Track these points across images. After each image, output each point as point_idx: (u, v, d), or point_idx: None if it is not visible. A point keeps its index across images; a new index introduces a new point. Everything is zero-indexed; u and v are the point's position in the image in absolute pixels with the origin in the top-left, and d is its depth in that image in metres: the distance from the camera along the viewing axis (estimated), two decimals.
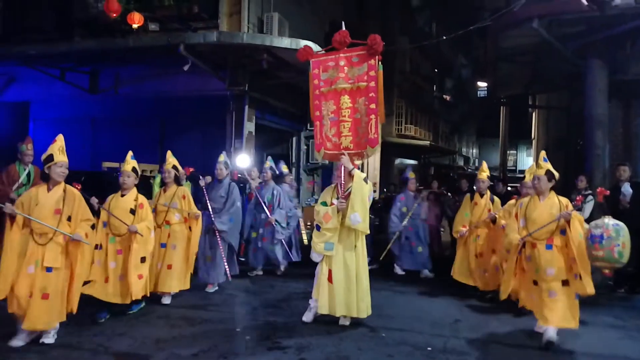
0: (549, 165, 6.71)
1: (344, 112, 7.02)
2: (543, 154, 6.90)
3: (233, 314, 7.54)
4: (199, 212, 8.31)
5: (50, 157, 6.02)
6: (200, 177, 9.14)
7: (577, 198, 7.47)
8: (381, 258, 10.92)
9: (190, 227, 8.27)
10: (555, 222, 6.46)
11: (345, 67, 6.97)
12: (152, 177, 11.69)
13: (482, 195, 9.30)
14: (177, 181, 8.39)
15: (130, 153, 7.30)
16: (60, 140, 6.19)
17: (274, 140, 17.32)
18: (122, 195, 7.20)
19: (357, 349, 6.13)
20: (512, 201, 8.38)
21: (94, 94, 15.10)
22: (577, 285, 6.33)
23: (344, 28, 7.01)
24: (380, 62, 6.81)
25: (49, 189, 6.06)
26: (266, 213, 10.18)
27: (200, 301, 8.10)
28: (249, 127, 13.94)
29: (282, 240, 10.43)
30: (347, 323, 6.95)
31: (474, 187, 9.49)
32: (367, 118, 6.81)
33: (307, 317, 7.13)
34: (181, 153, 9.26)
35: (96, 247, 6.86)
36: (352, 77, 6.95)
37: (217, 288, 8.87)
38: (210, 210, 8.74)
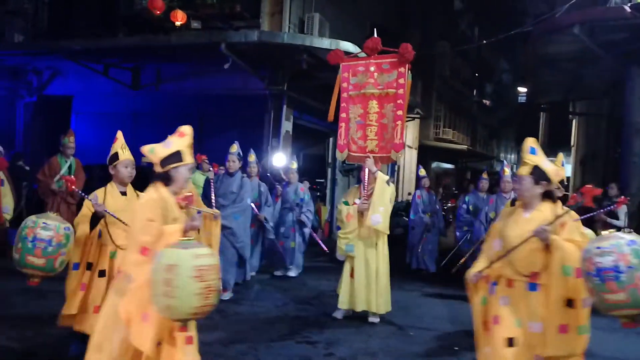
0: (538, 160, 4.32)
1: (371, 117, 7.20)
2: (530, 142, 4.38)
3: (265, 308, 7.66)
4: (218, 212, 6.70)
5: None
6: (210, 167, 8.31)
7: (618, 200, 5.08)
8: (442, 264, 10.32)
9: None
10: (535, 245, 4.09)
11: (375, 73, 7.13)
12: None
13: None
14: None
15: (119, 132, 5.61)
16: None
17: (310, 141, 17.43)
18: (124, 193, 5.41)
19: (385, 345, 6.21)
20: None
21: (136, 90, 15.41)
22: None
23: (375, 35, 7.16)
24: (409, 71, 6.97)
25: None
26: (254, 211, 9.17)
27: (233, 295, 8.21)
28: (287, 126, 14.07)
29: (274, 240, 10.03)
30: (377, 321, 7.06)
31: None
32: (394, 124, 7.01)
33: (338, 314, 7.24)
34: (219, 150, 9.42)
35: (75, 266, 5.18)
36: (381, 83, 7.11)
37: (232, 295, 8.12)
38: (215, 207, 7.10)
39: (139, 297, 3.67)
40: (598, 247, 3.54)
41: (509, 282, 4.24)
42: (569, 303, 3.96)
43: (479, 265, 4.44)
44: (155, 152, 4.49)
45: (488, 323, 4.29)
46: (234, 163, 8.13)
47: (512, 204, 5.97)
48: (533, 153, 4.31)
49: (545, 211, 4.23)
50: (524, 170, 4.27)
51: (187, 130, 4.57)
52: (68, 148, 9.32)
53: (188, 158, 4.47)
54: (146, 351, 3.63)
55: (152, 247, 3.81)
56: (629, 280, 3.36)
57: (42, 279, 4.93)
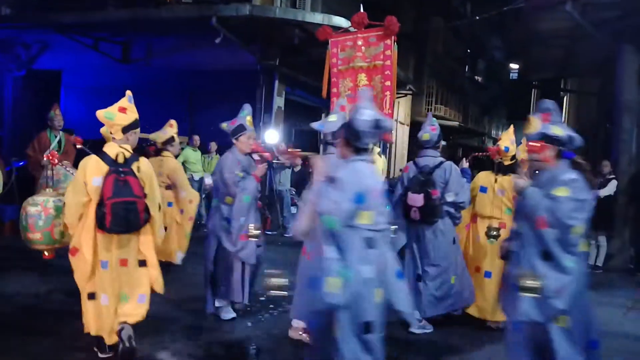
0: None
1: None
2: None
3: None
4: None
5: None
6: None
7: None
8: None
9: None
10: None
11: (363, 47, 7.31)
12: (181, 149, 11.80)
13: None
14: None
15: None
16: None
17: (303, 116, 17.37)
18: None
19: None
20: None
21: (126, 64, 15.30)
22: None
23: (362, 10, 7.36)
24: (395, 43, 7.11)
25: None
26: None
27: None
28: (279, 102, 14.02)
29: None
30: None
31: None
32: (383, 95, 7.17)
33: None
34: (209, 126, 9.37)
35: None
36: (369, 56, 7.29)
37: None
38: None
39: None
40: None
41: None
42: None
43: None
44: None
45: None
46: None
47: None
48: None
49: None
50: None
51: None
52: (55, 120, 9.23)
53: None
54: None
55: None
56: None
57: (52, 251, 5.61)
